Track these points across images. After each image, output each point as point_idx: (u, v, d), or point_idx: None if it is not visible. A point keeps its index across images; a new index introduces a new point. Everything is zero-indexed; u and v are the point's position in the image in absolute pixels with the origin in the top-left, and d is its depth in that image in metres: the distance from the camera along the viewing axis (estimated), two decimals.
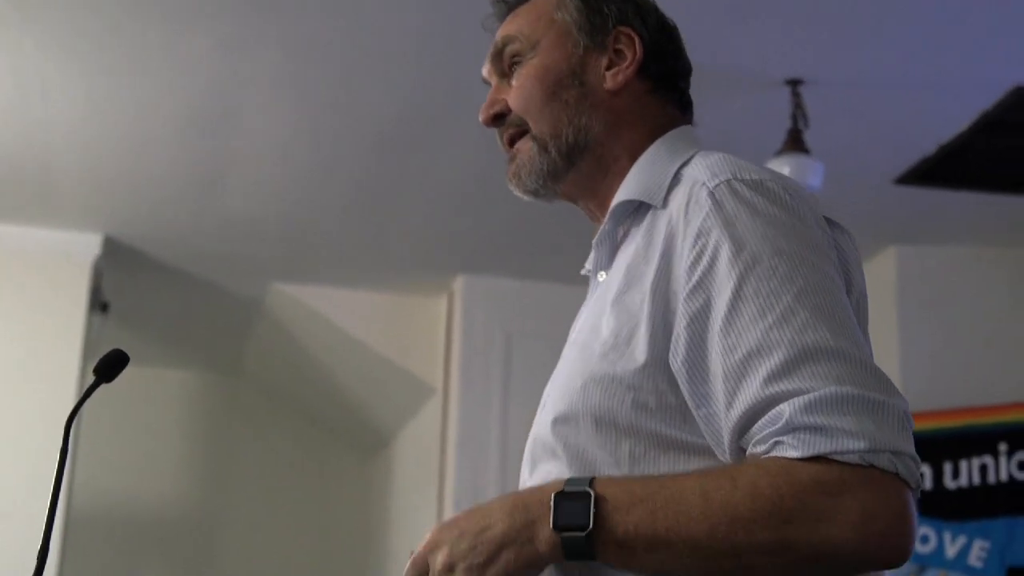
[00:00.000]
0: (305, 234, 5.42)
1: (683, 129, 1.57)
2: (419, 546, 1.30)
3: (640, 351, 1.35)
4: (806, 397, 1.21)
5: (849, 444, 1.19)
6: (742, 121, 4.15)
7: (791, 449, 1.20)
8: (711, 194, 1.36)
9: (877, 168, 4.60)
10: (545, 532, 1.23)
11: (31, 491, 4.59)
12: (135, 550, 6.85)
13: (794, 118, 4.06)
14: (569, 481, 1.26)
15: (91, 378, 1.78)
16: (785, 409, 1.21)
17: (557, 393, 1.44)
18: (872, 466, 1.18)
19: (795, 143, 4.03)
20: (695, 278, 1.32)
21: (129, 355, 1.79)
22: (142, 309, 6.21)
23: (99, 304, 5.65)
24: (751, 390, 1.24)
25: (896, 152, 4.52)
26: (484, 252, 5.56)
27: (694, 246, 1.34)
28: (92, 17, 3.85)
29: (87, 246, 5.41)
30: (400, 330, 6.01)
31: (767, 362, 1.24)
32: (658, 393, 1.34)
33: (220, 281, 5.91)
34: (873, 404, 1.21)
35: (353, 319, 6.00)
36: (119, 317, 5.92)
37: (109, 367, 1.76)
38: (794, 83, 4.05)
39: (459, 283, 5.80)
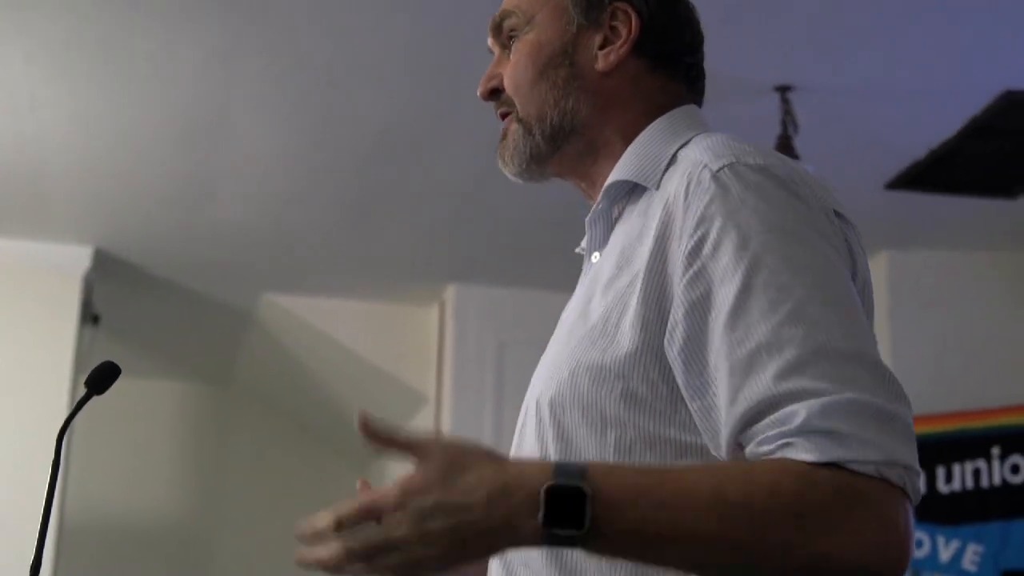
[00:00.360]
0: (296, 244, 5.41)
1: (685, 109, 1.51)
2: (377, 493, 1.16)
3: (631, 338, 1.29)
4: (823, 400, 1.15)
5: (866, 454, 1.13)
6: (731, 127, 4.14)
7: (804, 452, 1.14)
8: (715, 177, 1.29)
9: (867, 173, 4.61)
10: (531, 526, 1.11)
11: (23, 504, 4.58)
12: (128, 561, 6.83)
13: (783, 124, 4.06)
14: (559, 470, 1.13)
15: (83, 390, 1.77)
16: (799, 410, 1.15)
17: (545, 378, 1.39)
18: (884, 479, 1.14)
19: (785, 149, 4.03)
20: (696, 266, 1.26)
21: (121, 367, 1.79)
22: (133, 321, 6.20)
23: (90, 316, 5.64)
24: (760, 385, 1.18)
25: (886, 157, 4.52)
26: (476, 261, 5.56)
27: (695, 231, 1.27)
28: (81, 29, 3.84)
29: (78, 258, 5.40)
30: (392, 339, 6.01)
31: (778, 358, 1.18)
32: (649, 382, 1.28)
33: (211, 292, 5.91)
34: (888, 415, 1.16)
35: (345, 329, 6.00)
36: (110, 329, 5.90)
37: (101, 379, 1.76)
38: (783, 89, 4.05)
39: (451, 292, 5.80)
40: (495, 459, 1.15)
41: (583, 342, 1.35)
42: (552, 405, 1.35)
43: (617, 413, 1.29)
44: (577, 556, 1.30)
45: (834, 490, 1.13)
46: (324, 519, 1.16)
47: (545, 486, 1.11)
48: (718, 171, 1.29)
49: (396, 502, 1.13)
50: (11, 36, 3.88)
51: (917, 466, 1.17)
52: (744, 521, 1.12)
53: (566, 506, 1.11)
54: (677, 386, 1.28)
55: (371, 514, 1.14)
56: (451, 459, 1.14)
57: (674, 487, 1.14)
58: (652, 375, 1.28)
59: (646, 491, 1.13)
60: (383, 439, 1.18)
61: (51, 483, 1.62)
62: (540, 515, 1.11)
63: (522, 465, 1.16)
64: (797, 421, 1.15)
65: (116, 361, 1.80)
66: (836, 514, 1.12)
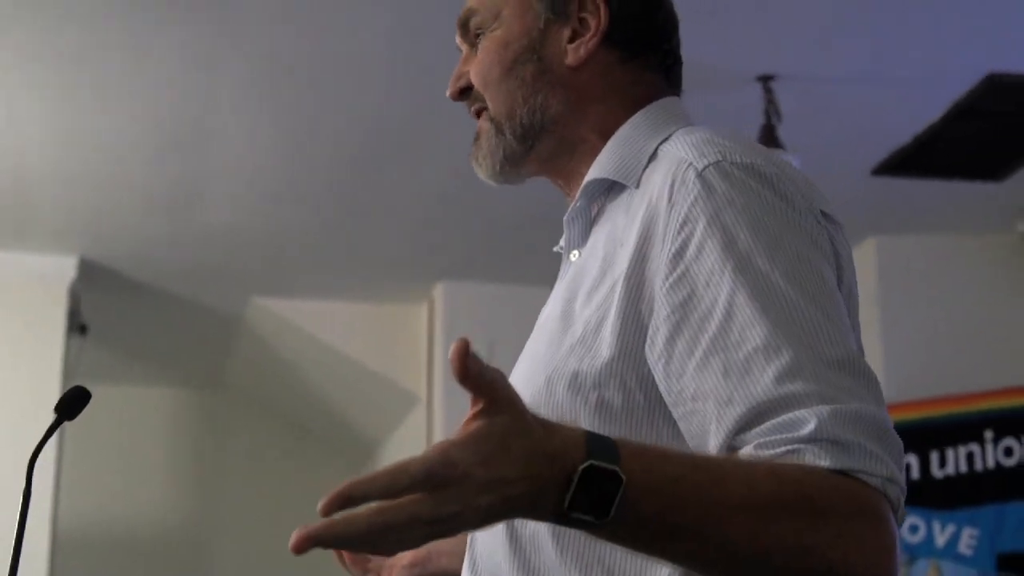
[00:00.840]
0: (282, 248, 5.40)
1: (665, 102, 1.45)
2: (435, 459, 1.00)
3: (609, 344, 1.25)
4: (830, 408, 1.11)
5: (874, 467, 1.10)
6: (713, 118, 4.12)
7: (817, 459, 1.10)
8: (700, 177, 1.24)
9: (853, 160, 4.61)
10: (553, 500, 1.02)
11: (12, 517, 4.56)
12: (127, 570, 6.81)
13: (767, 114, 4.05)
14: (594, 449, 1.03)
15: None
16: (807, 417, 1.11)
17: (522, 384, 1.33)
18: (884, 495, 1.11)
19: (768, 139, 4.03)
20: (680, 268, 1.21)
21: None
22: (122, 329, 6.18)
23: (77, 326, 5.62)
24: (759, 388, 1.14)
25: (871, 144, 4.52)
26: (463, 258, 5.55)
27: (679, 233, 1.23)
28: (56, 41, 3.83)
29: (63, 269, 5.38)
30: (382, 340, 6.00)
31: (776, 360, 1.14)
32: (625, 391, 1.24)
33: (199, 298, 5.89)
34: (886, 429, 1.14)
35: (334, 331, 5.98)
36: (98, 338, 5.88)
37: (71, 404, 1.73)
38: (765, 79, 4.04)
39: (439, 290, 5.79)
40: (541, 423, 1.04)
41: (562, 348, 1.30)
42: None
43: (592, 424, 1.23)
44: (548, 568, 1.26)
45: (851, 497, 1.10)
46: (370, 484, 0.97)
47: (582, 466, 1.01)
48: (703, 170, 1.25)
49: (462, 474, 0.98)
50: None
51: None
52: (772, 520, 1.07)
53: (598, 491, 1.02)
54: (654, 396, 1.23)
55: (433, 482, 0.98)
56: (512, 424, 1.02)
57: (704, 478, 1.07)
58: (629, 383, 1.24)
59: (677, 478, 1.06)
60: (471, 373, 1.01)
61: (23, 511, 1.59)
62: (568, 497, 1.01)
63: (563, 433, 1.04)
64: (807, 428, 1.11)
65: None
66: (853, 521, 1.09)
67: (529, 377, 1.34)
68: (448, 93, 1.51)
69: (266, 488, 7.09)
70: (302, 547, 0.96)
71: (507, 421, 1.02)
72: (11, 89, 4.09)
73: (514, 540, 1.31)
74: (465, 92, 1.49)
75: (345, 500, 0.97)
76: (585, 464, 1.01)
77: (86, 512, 6.56)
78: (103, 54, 3.93)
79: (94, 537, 6.67)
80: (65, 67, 3.99)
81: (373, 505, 0.98)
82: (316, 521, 0.97)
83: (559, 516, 1.02)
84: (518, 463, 1.00)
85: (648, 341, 1.23)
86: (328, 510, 0.97)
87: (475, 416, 1.02)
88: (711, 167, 1.25)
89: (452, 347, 1.00)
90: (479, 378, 1.01)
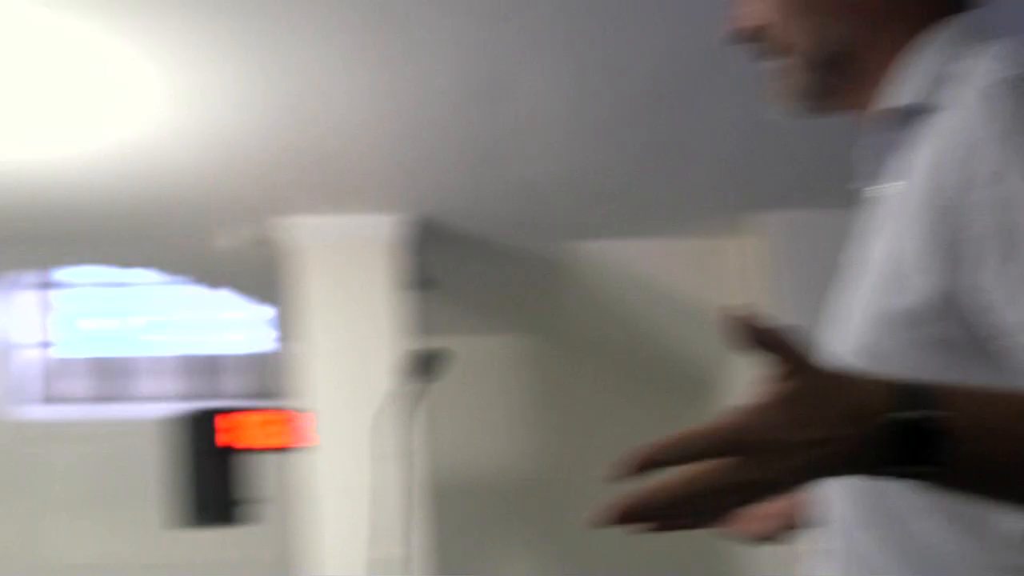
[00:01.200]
0: (598, 190, 5.47)
1: (959, 17, 1.35)
2: (734, 425, 0.99)
3: (918, 280, 1.19)
4: None
5: None
6: None
7: None
8: (992, 96, 1.16)
9: None
10: (868, 457, 0.99)
11: (377, 468, 4.75)
12: (498, 515, 7.08)
13: None
14: (906, 398, 0.99)
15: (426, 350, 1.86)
16: None
17: (842, 327, 1.32)
18: None
19: None
20: (982, 194, 1.13)
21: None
22: (459, 282, 6.38)
23: (423, 282, 5.84)
24: None
25: None
26: (780, 187, 5.49)
27: (975, 158, 1.15)
28: (354, 6, 3.94)
29: (396, 227, 5.62)
30: (701, 273, 6.03)
31: None
32: (942, 327, 1.18)
33: (524, 245, 6.04)
34: None
35: (654, 267, 6.05)
36: (441, 292, 6.11)
37: (428, 366, 1.81)
38: None
39: (760, 220, 5.75)
40: (848, 379, 1.02)
41: (874, 288, 1.26)
42: (848, 355, 1.26)
43: (913, 364, 1.18)
44: (900, 510, 1.23)
45: None
46: (673, 449, 0.97)
47: (884, 419, 0.98)
48: (996, 88, 1.17)
49: (774, 438, 0.97)
50: (297, 27, 4.03)
51: None
52: None
53: (913, 441, 0.98)
54: (972, 330, 1.17)
55: (741, 447, 0.97)
56: (819, 383, 1.00)
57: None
58: (945, 319, 1.18)
59: (1004, 420, 1.01)
60: (766, 339, 0.99)
61: (402, 465, 1.67)
62: (881, 451, 0.98)
63: (870, 386, 1.01)
64: None
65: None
66: None
67: (846, 320, 1.31)
68: (729, 33, 1.48)
69: (607, 428, 7.23)
70: (611, 522, 0.97)
71: (814, 381, 1.00)
72: (319, 59, 4.24)
73: (861, 487, 1.27)
74: (749, 32, 1.47)
75: (646, 464, 0.97)
76: (892, 416, 0.98)
77: (452, 458, 6.82)
78: (402, 17, 4.02)
79: (464, 483, 6.95)
80: (370, 29, 4.09)
81: (682, 472, 0.99)
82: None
83: (878, 471, 1.00)
84: (827, 422, 0.98)
85: (959, 273, 1.17)
86: (629, 474, 0.97)
87: (780, 378, 1.00)
88: (1004, 82, 1.17)
89: (738, 318, 0.98)
90: (775, 342, 0.99)
